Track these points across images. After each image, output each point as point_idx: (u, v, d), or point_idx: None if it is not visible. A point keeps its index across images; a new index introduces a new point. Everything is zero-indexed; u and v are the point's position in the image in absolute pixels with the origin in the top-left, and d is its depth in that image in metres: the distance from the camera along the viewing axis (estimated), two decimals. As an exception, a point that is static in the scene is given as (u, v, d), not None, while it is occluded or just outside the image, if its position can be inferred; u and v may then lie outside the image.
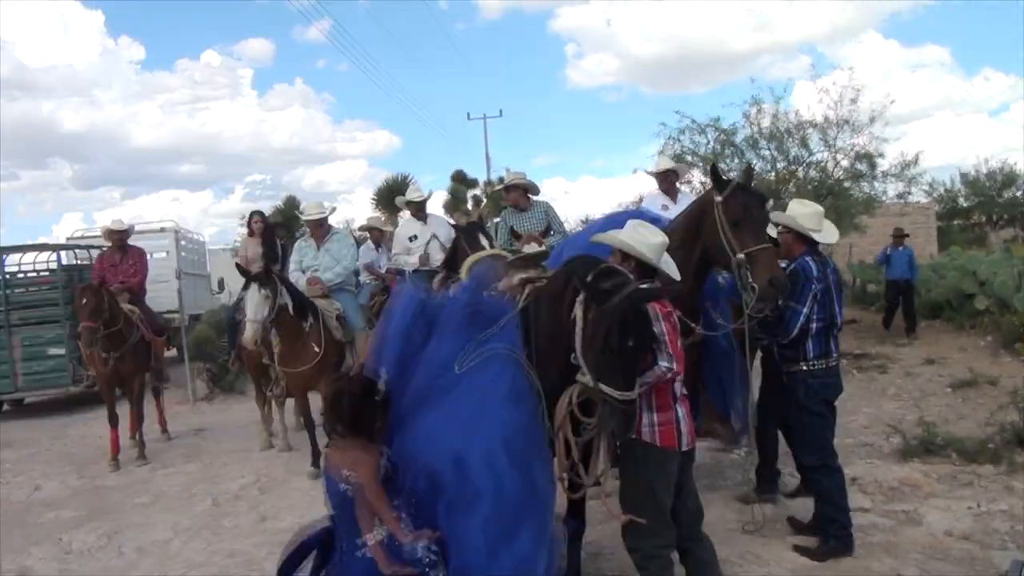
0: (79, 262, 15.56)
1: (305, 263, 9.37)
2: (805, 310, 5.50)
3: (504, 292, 4.97)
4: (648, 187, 9.06)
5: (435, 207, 10.42)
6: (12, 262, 15.91)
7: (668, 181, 8.65)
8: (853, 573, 5.36)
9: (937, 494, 6.66)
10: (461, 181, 28.91)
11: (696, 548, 4.67)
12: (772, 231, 5.86)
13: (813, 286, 5.53)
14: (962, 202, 38.47)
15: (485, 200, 26.16)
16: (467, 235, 8.21)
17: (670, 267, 4.67)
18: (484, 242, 7.94)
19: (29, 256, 16.54)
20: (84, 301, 9.29)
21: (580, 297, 4.15)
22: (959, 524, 5.98)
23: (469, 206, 26.99)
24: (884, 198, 18.72)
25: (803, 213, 5.85)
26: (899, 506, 6.45)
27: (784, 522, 6.24)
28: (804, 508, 6.24)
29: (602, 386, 3.97)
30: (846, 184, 17.76)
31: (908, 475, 7.04)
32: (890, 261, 16.90)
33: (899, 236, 16.91)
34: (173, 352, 15.06)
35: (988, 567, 5.27)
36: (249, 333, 7.93)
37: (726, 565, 5.47)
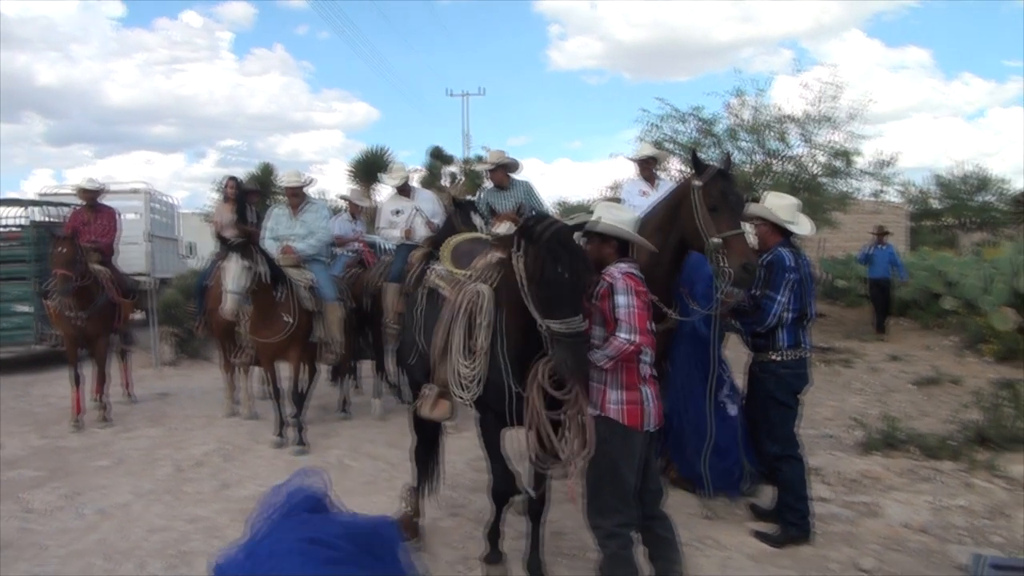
0: (49, 219, 15.37)
1: (279, 231, 9.29)
2: (782, 299, 5.54)
3: (480, 270, 5.09)
4: (625, 173, 9.09)
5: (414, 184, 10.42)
6: (-21, 216, 15.68)
7: (648, 168, 8.66)
8: (811, 561, 5.41)
9: (897, 487, 6.74)
10: (438, 157, 28.80)
11: (656, 526, 4.71)
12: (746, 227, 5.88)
13: (789, 276, 5.57)
14: (935, 203, 38.83)
15: (463, 177, 26.06)
16: (462, 212, 8.15)
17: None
18: (477, 221, 7.88)
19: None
20: (61, 250, 9.21)
21: (520, 248, 4.44)
22: (917, 517, 6.07)
23: (445, 183, 26.91)
24: (858, 196, 18.88)
25: (780, 205, 5.89)
26: (859, 498, 6.53)
27: (745, 508, 6.30)
28: (766, 496, 6.31)
29: (549, 322, 4.19)
30: (822, 180, 17.89)
31: (869, 468, 7.13)
32: (872, 260, 16.85)
33: (881, 234, 16.91)
34: (141, 315, 14.91)
35: (944, 560, 5.35)
36: (230, 304, 7.89)
37: (686, 549, 5.50)
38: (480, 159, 25.54)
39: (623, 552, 4.50)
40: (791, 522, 5.72)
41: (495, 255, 5.07)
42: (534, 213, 5.01)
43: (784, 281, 5.56)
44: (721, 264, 5.19)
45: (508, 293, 4.63)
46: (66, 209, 13.69)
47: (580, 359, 4.24)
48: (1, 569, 5.75)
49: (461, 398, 4.98)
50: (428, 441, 6.17)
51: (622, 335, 4.33)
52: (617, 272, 4.48)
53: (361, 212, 11.95)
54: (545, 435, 4.57)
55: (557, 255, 4.23)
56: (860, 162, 17.54)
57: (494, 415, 4.92)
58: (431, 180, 27.00)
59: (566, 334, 4.16)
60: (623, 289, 4.39)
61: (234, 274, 7.82)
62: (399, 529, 4.37)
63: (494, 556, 5.29)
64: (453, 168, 28.00)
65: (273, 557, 4.28)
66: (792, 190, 14.46)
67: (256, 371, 10.33)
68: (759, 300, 5.60)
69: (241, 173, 22.02)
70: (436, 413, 5.33)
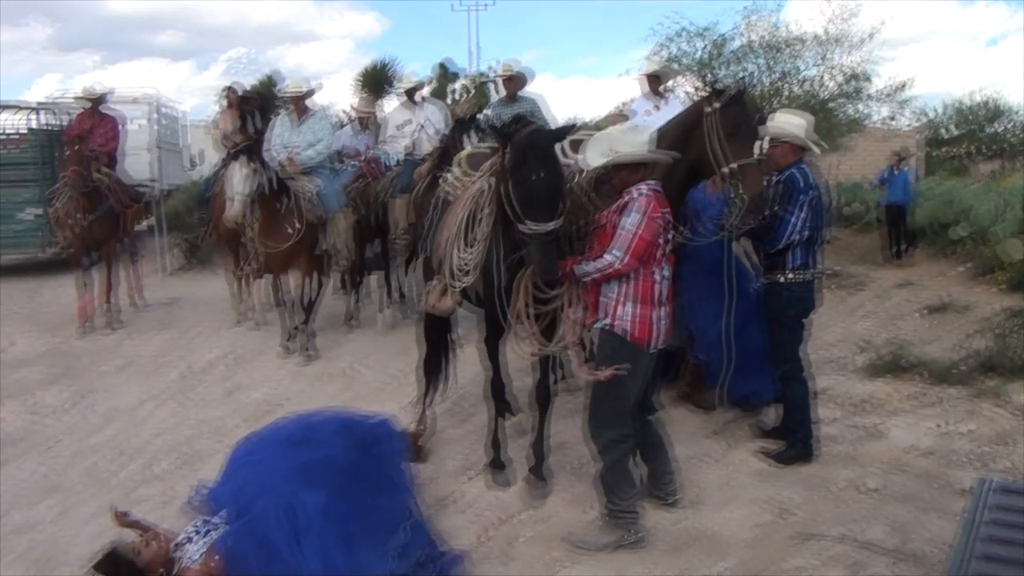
0: (53, 125, 15.22)
1: (283, 140, 9.17)
2: (796, 219, 5.46)
3: (485, 170, 5.32)
4: (635, 92, 8.90)
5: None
6: (-15, 120, 15.54)
7: (654, 85, 8.49)
8: (814, 480, 5.43)
9: (902, 411, 6.72)
10: (446, 72, 28.32)
11: (647, 431, 4.95)
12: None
13: (805, 196, 5.49)
14: (951, 130, 38.26)
15: (472, 91, 25.66)
16: (458, 132, 8.06)
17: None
18: (467, 142, 7.79)
19: (3, 116, 16.14)
20: (72, 149, 9.28)
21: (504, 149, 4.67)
22: (922, 441, 6.07)
23: (454, 98, 26.53)
24: (871, 121, 18.57)
25: (793, 123, 5.78)
26: (864, 420, 6.53)
27: (748, 427, 6.32)
28: (770, 415, 6.34)
29: (525, 222, 4.40)
30: (834, 103, 17.57)
31: (875, 391, 7.13)
32: (888, 183, 16.20)
33: (900, 158, 16.32)
34: (148, 223, 14.90)
35: (948, 484, 5.35)
36: (237, 207, 7.79)
37: (689, 464, 5.57)
38: (482, 74, 25.15)
39: (621, 462, 4.61)
40: (795, 442, 5.74)
41: (497, 157, 5.19)
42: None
43: (799, 201, 5.49)
44: (734, 193, 5.07)
45: (497, 180, 4.84)
46: (70, 115, 13.55)
47: (548, 260, 4.44)
48: (11, 464, 5.83)
49: (455, 285, 5.21)
50: (436, 352, 6.28)
51: (608, 255, 4.40)
52: (637, 192, 4.47)
53: (368, 122, 11.78)
54: (529, 326, 4.87)
55: (531, 159, 4.42)
56: (874, 86, 17.19)
57: (492, 315, 5.11)
58: (439, 95, 26.59)
59: (535, 234, 4.38)
60: (636, 209, 4.40)
61: (239, 178, 7.74)
62: (400, 433, 4.47)
63: (497, 464, 5.37)
64: (461, 83, 27.52)
65: (257, 451, 4.34)
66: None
67: (264, 280, 10.34)
68: (772, 220, 5.52)
69: (247, 83, 21.67)
70: (441, 305, 5.54)
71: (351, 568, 3.71)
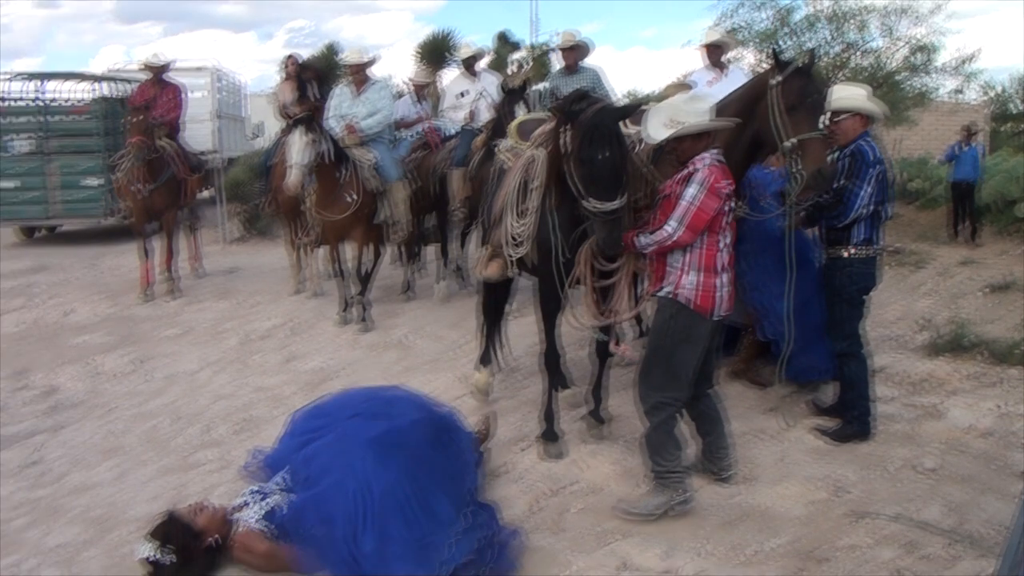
0: (117, 95, 15.51)
1: (342, 110, 9.22)
2: (865, 192, 5.36)
3: (536, 138, 5.36)
4: (697, 63, 8.80)
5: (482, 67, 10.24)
6: (51, 89, 15.86)
7: (716, 55, 8.39)
8: (870, 459, 5.37)
9: (962, 391, 6.61)
10: (505, 42, 28.16)
11: (704, 404, 4.95)
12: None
13: (874, 169, 5.39)
14: (1017, 105, 37.23)
15: (531, 62, 25.52)
16: (509, 102, 8.05)
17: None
18: (519, 112, 7.78)
19: (68, 85, 16.46)
20: (137, 119, 9.42)
21: (565, 125, 4.63)
22: (981, 422, 5.96)
23: (512, 69, 26.40)
24: (937, 95, 18.14)
25: (858, 94, 5.70)
26: (923, 399, 6.43)
27: (804, 404, 6.27)
28: (827, 392, 6.28)
29: (588, 200, 4.43)
30: (900, 76, 17.20)
31: (934, 370, 7.01)
32: (957, 160, 15.60)
33: (969, 133, 15.71)
34: (209, 193, 15.12)
35: (1005, 466, 5.26)
36: (294, 177, 7.84)
37: (743, 440, 5.55)
38: (544, 44, 24.97)
39: (667, 424, 4.63)
40: (852, 419, 5.68)
41: (550, 124, 5.22)
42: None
43: (869, 174, 5.38)
44: (794, 168, 4.95)
45: (552, 154, 4.87)
46: (133, 85, 13.77)
47: (614, 237, 4.49)
48: (72, 426, 5.99)
49: (511, 256, 5.34)
50: (493, 321, 6.51)
51: (667, 227, 4.41)
52: (700, 163, 4.45)
53: (426, 92, 11.81)
54: (591, 298, 4.97)
55: (596, 139, 4.40)
56: (941, 58, 16.79)
57: (549, 283, 5.13)
58: (498, 66, 26.50)
59: (600, 212, 4.41)
60: (697, 181, 4.38)
61: (298, 148, 7.80)
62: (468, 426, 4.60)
63: (550, 435, 5.39)
64: (521, 54, 27.34)
65: (330, 421, 4.44)
66: (870, 85, 13.93)
67: (320, 250, 10.46)
68: (841, 192, 5.42)
69: (307, 54, 21.79)
70: (489, 272, 5.74)
71: (409, 549, 3.76)
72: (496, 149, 6.21)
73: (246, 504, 4.06)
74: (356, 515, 3.80)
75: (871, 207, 5.41)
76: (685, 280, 4.47)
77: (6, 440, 5.70)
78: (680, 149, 4.54)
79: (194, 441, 5.70)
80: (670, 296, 4.52)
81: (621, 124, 4.68)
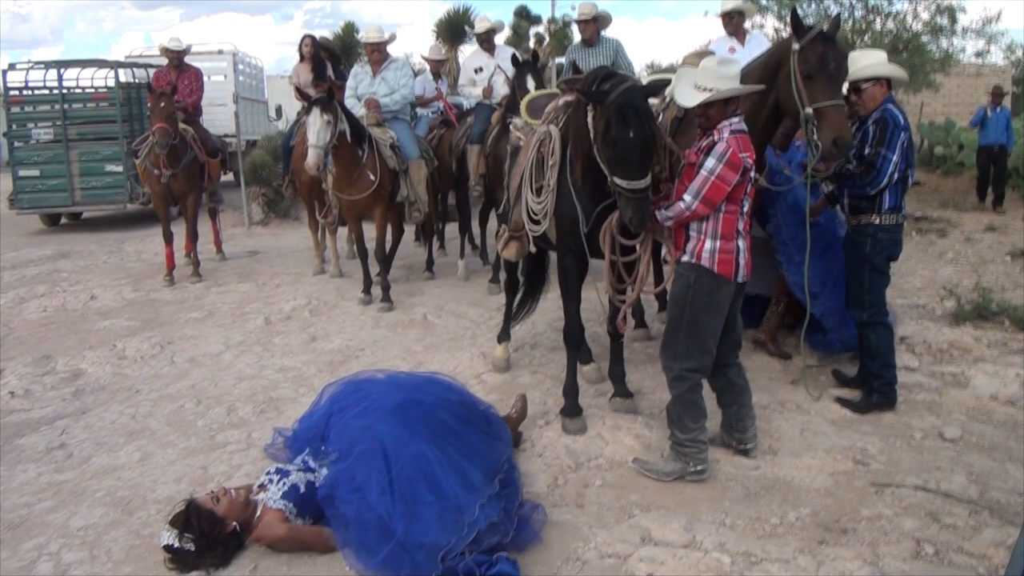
0: (137, 80, 15.58)
1: (360, 90, 9.21)
2: (894, 159, 5.30)
3: (548, 114, 5.37)
4: (717, 32, 8.70)
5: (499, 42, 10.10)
6: (70, 76, 15.94)
7: (734, 23, 8.29)
8: (894, 428, 5.36)
9: (986, 359, 6.56)
10: (524, 17, 27.97)
11: (730, 373, 4.91)
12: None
13: (902, 135, 5.33)
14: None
15: (548, 38, 25.36)
16: (519, 76, 8.03)
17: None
18: (530, 84, 7.75)
19: (87, 72, 16.55)
20: (160, 104, 9.42)
21: (591, 105, 4.61)
22: (1006, 389, 5.92)
23: (531, 44, 26.22)
24: (961, 57, 17.90)
25: (878, 59, 5.63)
26: (947, 368, 6.39)
27: (828, 375, 6.25)
28: (850, 363, 6.26)
29: (615, 179, 4.44)
30: (923, 39, 16.99)
31: (958, 338, 6.95)
32: (985, 124, 15.33)
33: (998, 95, 15.45)
34: (230, 176, 15.16)
35: (1030, 433, 5.24)
36: (312, 158, 7.85)
37: (767, 411, 5.53)
38: (564, 17, 24.77)
39: (690, 395, 4.65)
40: (876, 389, 5.65)
41: (562, 99, 5.25)
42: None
43: (898, 140, 5.31)
44: (812, 136, 4.87)
45: (576, 132, 4.85)
46: (152, 70, 13.84)
47: (642, 214, 4.47)
48: (96, 409, 6.06)
49: (532, 231, 5.35)
50: (527, 296, 6.72)
51: (683, 200, 4.41)
52: (719, 135, 4.41)
53: (443, 70, 11.79)
54: (614, 271, 4.98)
55: (626, 119, 4.36)
56: (964, 20, 16.55)
57: (572, 257, 5.24)
58: (517, 41, 26.36)
59: (629, 190, 4.41)
60: (715, 153, 4.34)
61: (317, 128, 7.80)
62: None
63: (572, 410, 5.39)
64: (539, 28, 27.15)
65: (359, 399, 4.51)
66: (892, 50, 13.77)
67: (342, 231, 10.50)
68: (871, 159, 5.34)
69: (326, 34, 21.81)
70: (508, 252, 5.84)
71: (440, 513, 3.80)
72: (511, 126, 6.20)
73: (270, 482, 4.11)
74: (386, 481, 3.84)
75: (896, 175, 5.36)
76: (704, 247, 4.47)
77: (31, 424, 5.76)
78: (709, 114, 4.48)
79: (218, 422, 5.74)
80: (692, 262, 4.52)
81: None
